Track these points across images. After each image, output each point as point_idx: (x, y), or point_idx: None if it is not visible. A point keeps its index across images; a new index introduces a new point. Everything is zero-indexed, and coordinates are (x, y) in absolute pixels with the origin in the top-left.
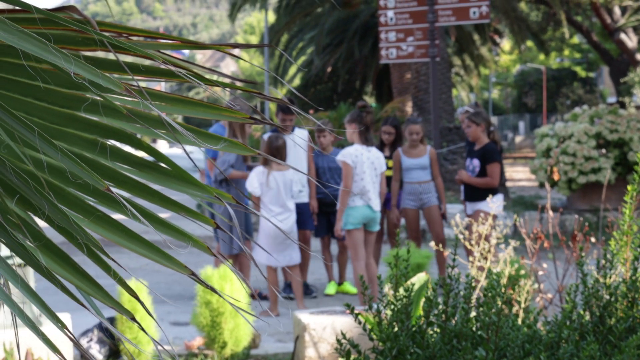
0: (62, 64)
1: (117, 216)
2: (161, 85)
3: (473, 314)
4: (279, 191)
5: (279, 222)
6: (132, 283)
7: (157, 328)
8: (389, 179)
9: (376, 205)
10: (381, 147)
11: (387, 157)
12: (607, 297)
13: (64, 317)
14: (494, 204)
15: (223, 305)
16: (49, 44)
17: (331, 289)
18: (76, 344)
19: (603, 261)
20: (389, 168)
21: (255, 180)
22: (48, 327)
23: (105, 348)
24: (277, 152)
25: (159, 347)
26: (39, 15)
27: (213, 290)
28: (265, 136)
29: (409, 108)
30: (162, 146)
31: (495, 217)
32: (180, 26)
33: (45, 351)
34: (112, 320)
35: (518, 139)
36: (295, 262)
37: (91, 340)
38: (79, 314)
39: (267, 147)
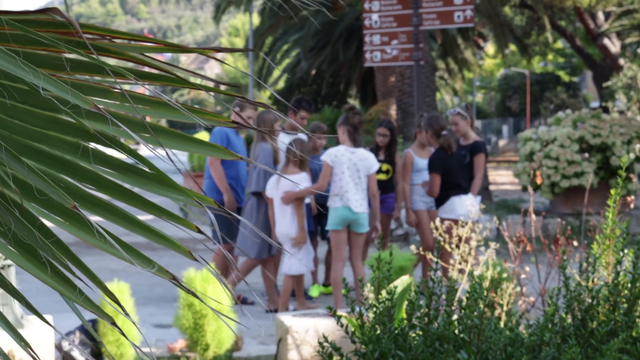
0: (31, 79)
1: (95, 218)
2: (145, 88)
3: (455, 317)
4: (279, 194)
5: (289, 228)
6: (115, 285)
7: (139, 330)
8: (383, 182)
9: (356, 206)
10: (376, 149)
11: (381, 161)
12: (589, 300)
13: (45, 320)
14: (473, 207)
15: (206, 308)
16: (18, 59)
17: (314, 291)
18: (59, 345)
19: (585, 265)
20: (382, 171)
21: (270, 183)
22: (28, 330)
23: (87, 350)
24: (307, 157)
25: (141, 350)
26: (24, 16)
27: (194, 295)
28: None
29: (393, 111)
30: (143, 149)
31: (454, 221)
32: (165, 28)
33: (26, 352)
34: (94, 322)
35: (501, 142)
36: (294, 272)
37: (73, 342)
38: (60, 316)
39: (300, 150)
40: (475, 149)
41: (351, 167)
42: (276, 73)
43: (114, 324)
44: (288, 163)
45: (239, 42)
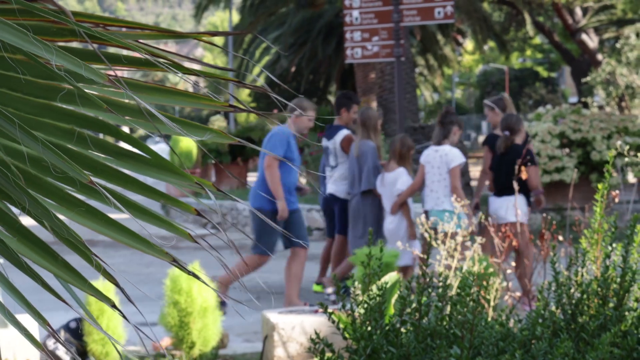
0: (44, 54)
1: (95, 204)
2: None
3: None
4: (384, 190)
5: (390, 223)
6: (99, 284)
7: (124, 328)
8: None
9: (428, 204)
10: None
11: None
12: (579, 295)
13: (30, 318)
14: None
15: (191, 305)
16: (29, 34)
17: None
18: (56, 339)
19: (573, 259)
20: None
21: (378, 181)
22: (13, 328)
23: (72, 349)
24: (407, 152)
25: (126, 348)
26: (17, 6)
27: (196, 277)
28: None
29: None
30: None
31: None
32: None
33: (11, 352)
34: (79, 321)
35: (481, 138)
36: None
37: (58, 341)
38: (45, 315)
39: (399, 146)
40: None
41: (427, 165)
42: (255, 71)
43: (114, 306)
44: (390, 159)
45: (218, 40)
